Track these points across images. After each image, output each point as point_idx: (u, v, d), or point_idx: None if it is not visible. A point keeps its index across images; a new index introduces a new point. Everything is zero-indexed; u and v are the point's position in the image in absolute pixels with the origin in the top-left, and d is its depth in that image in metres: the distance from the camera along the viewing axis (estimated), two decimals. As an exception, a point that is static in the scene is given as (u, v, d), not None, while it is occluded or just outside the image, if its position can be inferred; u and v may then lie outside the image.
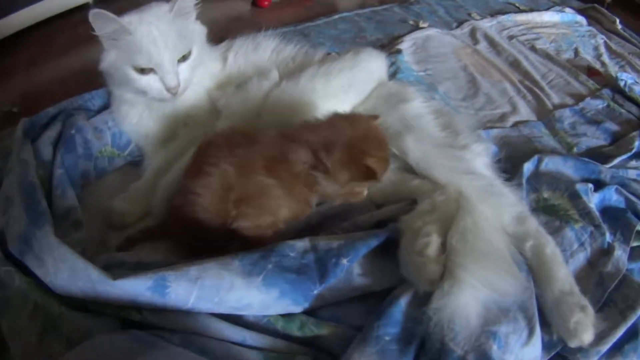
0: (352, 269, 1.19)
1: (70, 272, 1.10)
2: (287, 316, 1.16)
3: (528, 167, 1.56)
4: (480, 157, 1.45)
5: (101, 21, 1.50)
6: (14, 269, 1.17)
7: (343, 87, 1.64)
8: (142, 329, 1.09)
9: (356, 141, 1.25)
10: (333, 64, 1.69)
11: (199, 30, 1.70)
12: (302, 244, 1.19)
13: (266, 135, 1.35)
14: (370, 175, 1.23)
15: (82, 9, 3.08)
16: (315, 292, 1.15)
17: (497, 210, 1.28)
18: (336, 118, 1.34)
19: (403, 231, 1.23)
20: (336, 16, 2.86)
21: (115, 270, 1.16)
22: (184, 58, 1.61)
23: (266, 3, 3.20)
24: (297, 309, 1.16)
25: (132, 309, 1.12)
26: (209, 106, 1.77)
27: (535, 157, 1.59)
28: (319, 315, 1.18)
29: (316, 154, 1.24)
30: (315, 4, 3.25)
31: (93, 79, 1.97)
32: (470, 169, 1.40)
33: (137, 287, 1.08)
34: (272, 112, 1.61)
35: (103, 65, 1.60)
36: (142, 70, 1.56)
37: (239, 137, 1.35)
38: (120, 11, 1.59)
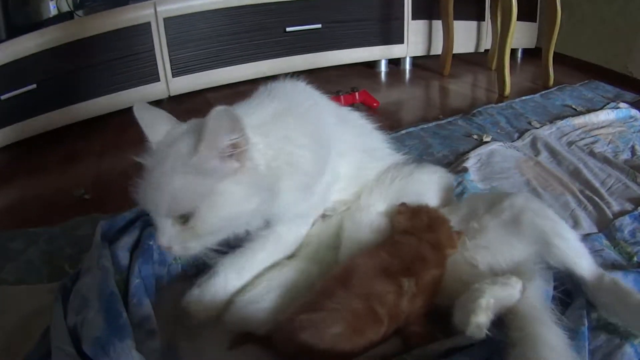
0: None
1: None
2: None
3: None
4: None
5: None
6: None
7: (396, 196, 1.67)
8: None
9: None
10: (389, 175, 1.73)
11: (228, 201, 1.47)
12: None
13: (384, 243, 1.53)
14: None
15: (157, 104, 3.25)
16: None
17: None
18: (417, 207, 1.62)
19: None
20: (403, 131, 2.97)
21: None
22: None
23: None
24: None
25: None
26: None
27: None
28: None
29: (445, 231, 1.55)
30: (380, 114, 3.34)
31: None
32: None
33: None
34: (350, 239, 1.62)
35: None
36: None
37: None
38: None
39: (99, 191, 2.40)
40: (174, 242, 1.37)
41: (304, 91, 1.71)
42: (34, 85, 2.98)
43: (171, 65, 3.44)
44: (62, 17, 3.28)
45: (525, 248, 1.51)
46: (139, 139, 2.83)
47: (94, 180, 2.51)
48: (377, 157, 1.86)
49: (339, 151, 1.66)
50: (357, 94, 3.39)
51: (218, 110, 1.24)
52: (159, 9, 3.28)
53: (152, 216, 1.37)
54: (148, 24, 3.28)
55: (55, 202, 2.38)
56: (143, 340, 1.32)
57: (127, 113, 3.06)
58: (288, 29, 3.81)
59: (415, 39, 4.35)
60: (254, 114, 1.46)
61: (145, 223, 1.76)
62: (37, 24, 3.18)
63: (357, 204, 1.67)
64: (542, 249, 1.51)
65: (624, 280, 1.58)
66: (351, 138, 1.76)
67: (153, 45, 3.34)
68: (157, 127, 1.45)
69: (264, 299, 1.47)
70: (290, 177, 1.45)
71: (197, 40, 3.51)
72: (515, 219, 1.53)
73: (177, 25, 3.38)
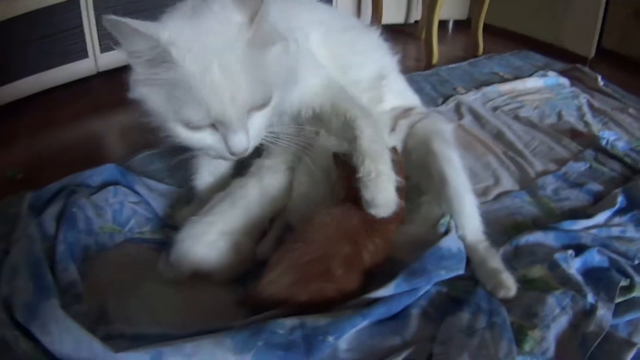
0: (338, 345, 1.25)
1: (75, 343, 1.17)
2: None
3: (505, 249, 1.62)
4: None
5: (124, 33, 1.17)
6: (19, 334, 1.23)
7: None
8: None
9: None
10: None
11: (286, 61, 1.32)
12: (291, 321, 1.24)
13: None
14: None
15: (85, 80, 3.32)
16: (302, 367, 1.18)
17: None
18: None
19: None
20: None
21: (115, 340, 1.23)
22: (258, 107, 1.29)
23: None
24: (285, 382, 1.18)
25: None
26: None
27: (514, 242, 1.64)
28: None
29: None
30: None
31: (94, 152, 2.23)
32: None
33: (136, 360, 1.14)
34: None
35: (134, 96, 1.26)
36: (196, 127, 1.25)
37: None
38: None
39: (32, 171, 2.35)
40: (256, 137, 1.33)
41: None
42: (-40, 69, 2.89)
43: (100, 41, 3.33)
44: (-13, -4, 3.20)
45: None
46: (69, 118, 2.88)
47: (26, 160, 2.46)
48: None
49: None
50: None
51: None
52: (88, -17, 3.16)
53: (224, 122, 1.22)
54: (76, -1, 3.17)
55: (-12, 185, 2.33)
56: (71, 304, 1.34)
57: (56, 92, 3.08)
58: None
59: (344, 10, 4.28)
60: None
61: (70, 192, 1.79)
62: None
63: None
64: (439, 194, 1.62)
65: (544, 238, 1.63)
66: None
67: (81, 21, 3.22)
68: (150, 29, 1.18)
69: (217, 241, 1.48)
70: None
71: (126, 14, 3.29)
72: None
73: (105, -1, 3.28)
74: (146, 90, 1.22)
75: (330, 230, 1.42)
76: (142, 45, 1.15)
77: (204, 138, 1.27)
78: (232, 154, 1.28)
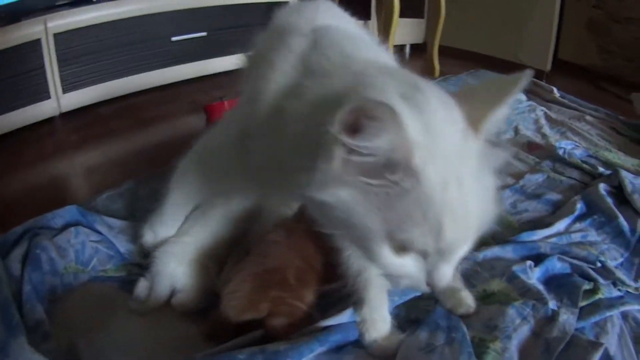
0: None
1: None
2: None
3: (463, 267, 1.57)
4: None
5: (378, 121, 0.80)
6: None
7: None
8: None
9: None
10: None
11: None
12: (251, 349, 1.25)
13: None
14: None
15: (49, 121, 3.27)
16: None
17: None
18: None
19: None
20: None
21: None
22: None
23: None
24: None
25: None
26: None
27: (472, 258, 1.60)
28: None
29: None
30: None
31: (58, 193, 2.20)
32: None
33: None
34: None
35: (321, 197, 0.89)
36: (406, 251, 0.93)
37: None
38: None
39: (-1, 213, 2.33)
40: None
41: None
42: None
43: (62, 81, 3.30)
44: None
45: None
46: (33, 160, 2.82)
47: (-8, 202, 2.43)
48: None
49: None
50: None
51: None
52: (49, 24, 3.15)
53: (446, 250, 0.92)
54: (38, 40, 3.13)
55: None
56: (38, 344, 1.35)
57: (19, 134, 3.01)
58: (173, 39, 3.75)
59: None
60: None
61: (33, 234, 1.78)
62: None
63: None
64: None
65: (502, 252, 1.64)
66: None
67: (43, 62, 3.20)
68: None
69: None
70: None
71: (87, 54, 3.41)
72: None
73: (67, 40, 3.27)
74: (350, 195, 0.88)
75: (281, 247, 1.47)
76: (387, 140, 0.82)
77: (406, 265, 0.95)
78: (431, 286, 0.98)
